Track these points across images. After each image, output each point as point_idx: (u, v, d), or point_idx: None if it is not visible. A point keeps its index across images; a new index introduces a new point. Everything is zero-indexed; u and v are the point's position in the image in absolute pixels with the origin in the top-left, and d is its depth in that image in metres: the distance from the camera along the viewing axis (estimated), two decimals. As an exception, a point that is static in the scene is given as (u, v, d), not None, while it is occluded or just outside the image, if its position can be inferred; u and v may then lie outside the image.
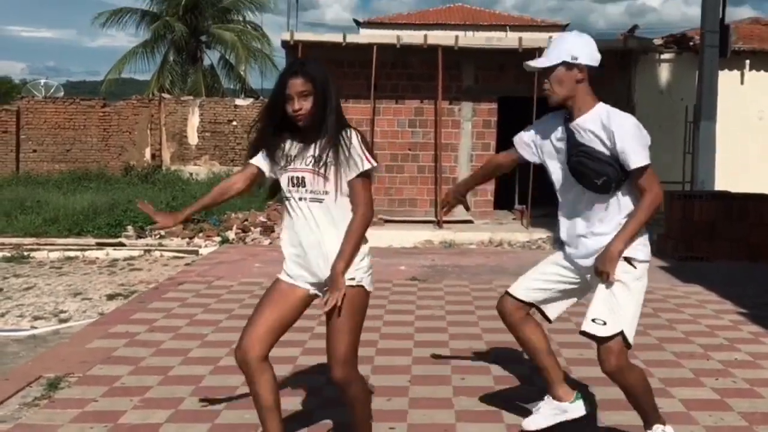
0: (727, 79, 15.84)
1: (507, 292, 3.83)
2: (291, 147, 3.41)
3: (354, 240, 3.31)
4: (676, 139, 15.66)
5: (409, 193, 15.31)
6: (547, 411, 3.80)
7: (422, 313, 6.64)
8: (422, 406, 4.37)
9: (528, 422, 3.82)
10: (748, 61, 16.81)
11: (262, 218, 16.61)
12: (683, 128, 15.47)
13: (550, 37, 3.74)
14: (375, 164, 3.37)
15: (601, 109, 3.63)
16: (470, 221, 14.57)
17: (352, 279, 3.32)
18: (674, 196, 10.42)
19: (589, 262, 3.59)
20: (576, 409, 3.80)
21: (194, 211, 3.71)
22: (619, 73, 15.09)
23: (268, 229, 15.57)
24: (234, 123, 25.67)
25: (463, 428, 4.06)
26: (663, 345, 5.65)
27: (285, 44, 14.90)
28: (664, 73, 16.61)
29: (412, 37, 15.20)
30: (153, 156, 25.71)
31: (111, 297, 10.50)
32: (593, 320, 3.50)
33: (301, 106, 3.30)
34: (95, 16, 31.79)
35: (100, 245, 14.90)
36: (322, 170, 3.31)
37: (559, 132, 3.68)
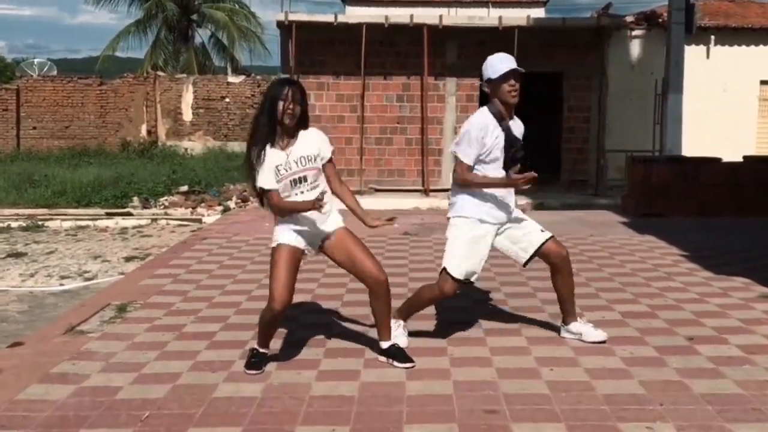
0: (693, 53, 16.88)
1: (456, 279, 4.79)
2: (281, 157, 4.40)
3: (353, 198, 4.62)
4: (647, 110, 16.71)
5: (397, 164, 16.33)
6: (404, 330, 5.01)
7: (414, 259, 7.84)
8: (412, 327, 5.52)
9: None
10: (713, 37, 17.82)
11: (260, 188, 17.66)
12: (653, 100, 16.51)
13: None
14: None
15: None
16: (455, 188, 15.70)
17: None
18: (635, 161, 11.59)
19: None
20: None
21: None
22: (593, 49, 16.08)
23: (266, 198, 16.60)
24: (227, 99, 26.59)
25: (452, 351, 5.22)
26: (613, 278, 6.86)
27: (279, 24, 15.84)
28: (635, 48, 17.62)
29: (399, 16, 16.14)
30: (149, 132, 26.62)
31: (128, 259, 11.55)
32: (541, 230, 4.89)
33: (295, 107, 4.37)
34: (87, -6, 32.55)
35: (110, 215, 15.92)
36: (314, 164, 4.45)
37: (496, 130, 4.79)
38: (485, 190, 4.79)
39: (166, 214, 16.15)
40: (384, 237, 9.12)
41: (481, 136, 4.74)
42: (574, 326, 5.02)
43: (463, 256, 4.74)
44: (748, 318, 5.48)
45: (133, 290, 6.40)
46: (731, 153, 13.21)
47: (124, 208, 16.54)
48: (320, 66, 16.01)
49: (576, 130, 16.41)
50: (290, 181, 4.38)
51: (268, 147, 4.37)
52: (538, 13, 18.81)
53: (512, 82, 4.69)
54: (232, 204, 16.61)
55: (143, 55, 32.85)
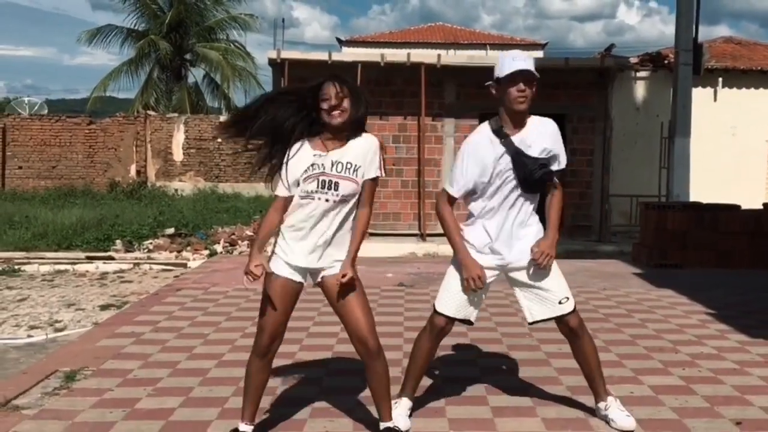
0: (700, 95, 16.34)
1: (444, 314, 4.16)
2: (317, 155, 3.74)
3: (362, 237, 3.82)
4: (652, 154, 16.10)
5: (393, 207, 15.63)
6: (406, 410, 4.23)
7: (410, 315, 7.03)
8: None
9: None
10: (720, 79, 17.31)
11: (248, 232, 16.93)
12: (659, 143, 15.91)
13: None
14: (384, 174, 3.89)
15: (535, 119, 4.13)
16: (453, 234, 14.98)
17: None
18: (648, 207, 10.86)
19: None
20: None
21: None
22: (596, 90, 15.50)
23: (255, 243, 15.85)
24: (219, 140, 25.96)
25: (452, 411, 4.43)
26: (636, 341, 6.06)
27: (272, 62, 15.22)
28: (640, 90, 17.08)
29: (396, 55, 15.57)
30: (138, 172, 25.95)
31: (104, 307, 10.77)
32: (560, 302, 4.06)
33: (339, 104, 3.70)
34: (81, 34, 32.09)
35: (90, 259, 15.12)
36: (352, 175, 3.74)
37: (492, 146, 4.03)
38: (482, 227, 4.10)
39: (149, 258, 15.36)
40: (377, 288, 8.35)
41: (472, 157, 4.04)
42: (602, 406, 4.25)
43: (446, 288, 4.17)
44: (800, 394, 4.69)
45: (88, 353, 5.57)
46: (740, 199, 12.59)
47: (107, 251, 15.76)
48: (313, 105, 15.35)
49: (579, 174, 15.72)
50: (319, 180, 3.70)
51: (305, 142, 3.76)
52: (537, 55, 18.36)
53: (521, 86, 3.93)
54: (219, 248, 15.84)
55: (134, 95, 32.32)
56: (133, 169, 25.99)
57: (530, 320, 4.21)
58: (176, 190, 25.45)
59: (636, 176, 16.18)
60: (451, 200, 4.14)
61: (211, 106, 33.58)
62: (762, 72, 17.35)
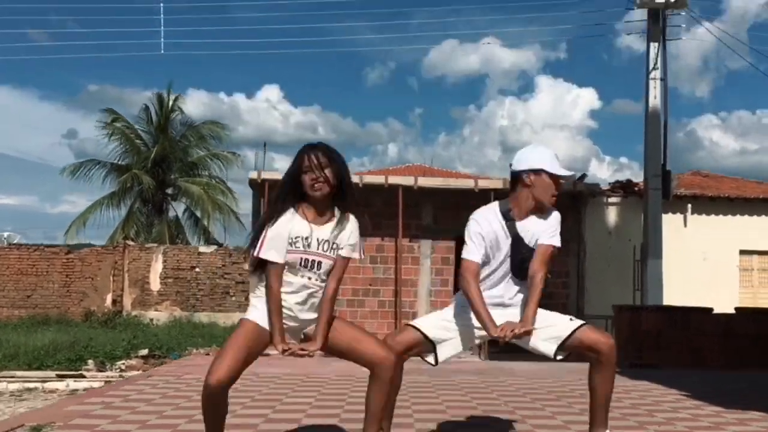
0: (670, 221, 16.80)
1: (413, 326, 4.18)
2: (304, 229, 3.70)
3: (330, 309, 3.77)
4: (625, 276, 16.34)
5: (370, 327, 15.56)
6: None
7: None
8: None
9: None
10: (690, 205, 17.83)
11: (224, 353, 16.73)
12: (631, 266, 16.17)
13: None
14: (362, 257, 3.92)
15: None
16: (430, 352, 14.90)
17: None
18: (623, 309, 10.97)
19: None
20: None
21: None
22: (570, 215, 15.85)
23: (230, 362, 15.62)
24: (197, 269, 25.96)
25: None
26: (612, 409, 5.99)
27: (252, 183, 15.54)
28: (611, 215, 17.51)
29: (374, 178, 15.99)
30: (114, 301, 25.75)
31: (72, 417, 10.53)
32: (570, 319, 4.07)
33: (320, 176, 3.64)
34: (65, 167, 32.45)
35: (61, 377, 14.84)
36: (334, 254, 3.75)
37: (502, 229, 4.10)
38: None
39: (121, 377, 15.08)
40: (352, 376, 8.30)
41: (478, 230, 4.07)
42: None
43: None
44: (776, 444, 4.69)
45: (57, 414, 5.46)
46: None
47: (78, 370, 15.48)
48: (292, 225, 15.57)
49: (554, 296, 15.84)
50: (302, 259, 3.67)
51: (290, 211, 3.68)
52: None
53: (554, 191, 4.07)
54: (193, 368, 15.62)
55: (113, 229, 32.28)
56: (109, 298, 25.81)
57: (552, 354, 4.13)
58: (151, 319, 25.21)
59: (610, 298, 16.30)
60: (475, 272, 4.06)
61: (192, 240, 33.66)
62: (729, 199, 17.87)
